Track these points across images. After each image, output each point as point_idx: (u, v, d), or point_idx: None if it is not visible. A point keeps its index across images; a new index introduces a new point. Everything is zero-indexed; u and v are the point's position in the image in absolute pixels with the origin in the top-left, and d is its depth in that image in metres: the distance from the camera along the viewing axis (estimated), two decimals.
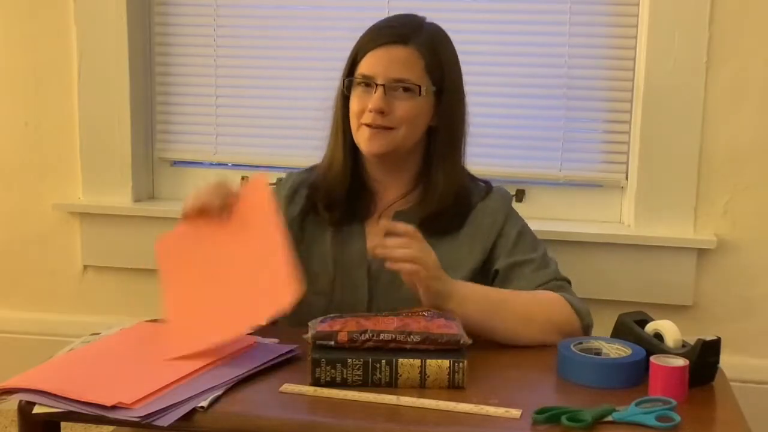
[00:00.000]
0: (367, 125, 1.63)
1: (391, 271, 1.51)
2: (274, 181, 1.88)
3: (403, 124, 1.63)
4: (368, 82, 1.64)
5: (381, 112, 1.62)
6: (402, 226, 1.47)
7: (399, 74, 1.62)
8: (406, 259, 1.45)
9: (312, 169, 1.81)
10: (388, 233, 1.46)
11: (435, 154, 1.70)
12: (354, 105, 1.66)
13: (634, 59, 2.14)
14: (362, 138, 1.65)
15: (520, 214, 1.84)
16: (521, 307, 1.54)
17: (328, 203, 1.70)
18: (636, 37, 2.13)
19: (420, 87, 1.63)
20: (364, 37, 1.69)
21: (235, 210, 1.52)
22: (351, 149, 1.70)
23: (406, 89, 1.63)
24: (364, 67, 1.64)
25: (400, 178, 1.71)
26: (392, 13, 2.06)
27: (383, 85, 1.62)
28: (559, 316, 1.55)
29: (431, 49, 1.66)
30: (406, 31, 1.65)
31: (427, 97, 1.65)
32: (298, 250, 1.58)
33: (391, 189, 1.71)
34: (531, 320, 1.53)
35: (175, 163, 2.41)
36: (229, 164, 2.37)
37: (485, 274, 1.66)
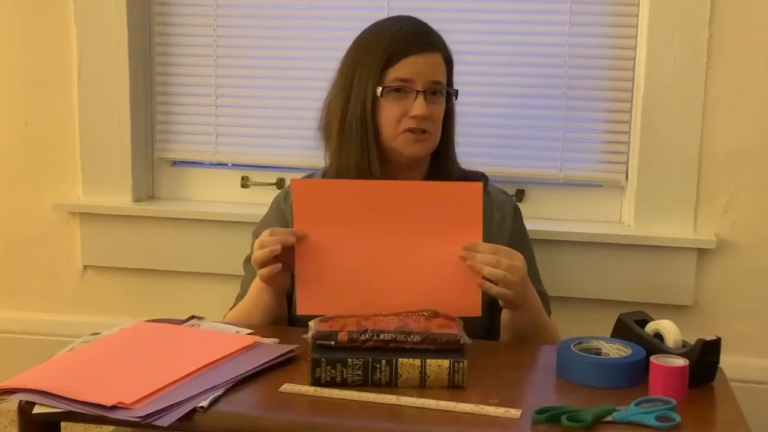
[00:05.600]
0: (411, 130, 1.68)
1: None
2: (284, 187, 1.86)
3: (437, 127, 1.73)
4: (405, 88, 1.68)
5: (425, 118, 1.68)
6: (486, 246, 1.51)
7: (437, 78, 1.70)
8: (496, 278, 1.50)
9: (311, 176, 1.82)
10: (472, 249, 1.51)
11: (443, 150, 1.77)
12: (391, 110, 1.69)
13: (634, 59, 2.14)
14: (404, 143, 1.70)
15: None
16: (555, 335, 1.67)
17: None
18: (636, 37, 2.13)
19: (457, 91, 1.75)
20: (395, 42, 1.70)
21: (440, 202, 1.53)
22: (374, 151, 1.72)
23: (436, 93, 1.70)
24: (402, 72, 1.68)
25: (416, 175, 1.77)
26: (392, 14, 2.07)
27: (423, 91, 1.67)
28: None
29: (449, 53, 1.76)
30: (434, 38, 1.74)
31: (445, 98, 1.73)
32: None
33: None
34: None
35: (175, 163, 2.41)
36: (229, 164, 2.37)
37: None
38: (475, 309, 1.51)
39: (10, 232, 2.42)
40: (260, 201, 2.31)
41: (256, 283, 1.62)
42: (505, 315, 1.63)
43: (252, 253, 1.64)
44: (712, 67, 2.07)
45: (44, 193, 2.38)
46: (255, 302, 1.64)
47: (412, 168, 1.75)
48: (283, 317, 1.66)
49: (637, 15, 2.12)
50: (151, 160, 2.39)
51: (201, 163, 2.39)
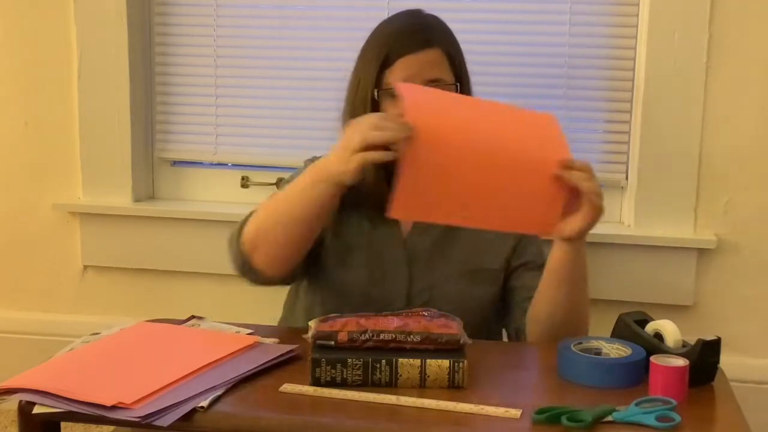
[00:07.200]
0: None
1: (427, 251, 1.66)
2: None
3: None
4: None
5: None
6: (581, 162, 1.47)
7: (433, 75, 1.67)
8: (596, 192, 1.46)
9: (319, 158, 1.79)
10: (568, 167, 1.46)
11: None
12: (390, 112, 1.66)
13: (634, 59, 2.14)
14: None
15: None
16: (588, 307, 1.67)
17: (363, 200, 1.70)
18: (636, 37, 2.13)
19: (457, 85, 1.69)
20: (389, 43, 1.68)
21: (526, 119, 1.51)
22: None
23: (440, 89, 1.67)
24: (397, 75, 1.66)
25: None
26: (392, 14, 2.07)
27: None
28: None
29: (450, 44, 1.72)
30: (430, 33, 1.70)
31: (454, 92, 1.69)
32: (335, 242, 1.67)
33: None
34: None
35: (175, 163, 2.41)
36: (229, 164, 2.37)
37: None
38: (551, 227, 1.48)
39: (10, 232, 2.42)
40: (260, 201, 2.30)
41: (318, 173, 1.48)
42: (564, 253, 1.56)
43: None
44: (712, 67, 2.07)
45: (44, 193, 2.38)
46: (305, 192, 1.50)
47: None
48: (309, 242, 1.58)
49: (637, 15, 2.12)
50: (151, 160, 2.39)
51: (201, 163, 2.40)
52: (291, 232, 1.55)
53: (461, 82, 1.72)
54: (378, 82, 1.67)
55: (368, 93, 1.68)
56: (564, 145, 1.49)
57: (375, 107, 1.68)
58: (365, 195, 1.69)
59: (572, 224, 1.49)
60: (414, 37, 1.68)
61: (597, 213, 1.48)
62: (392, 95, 1.67)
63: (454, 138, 1.42)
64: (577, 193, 1.46)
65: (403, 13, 1.77)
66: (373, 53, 1.69)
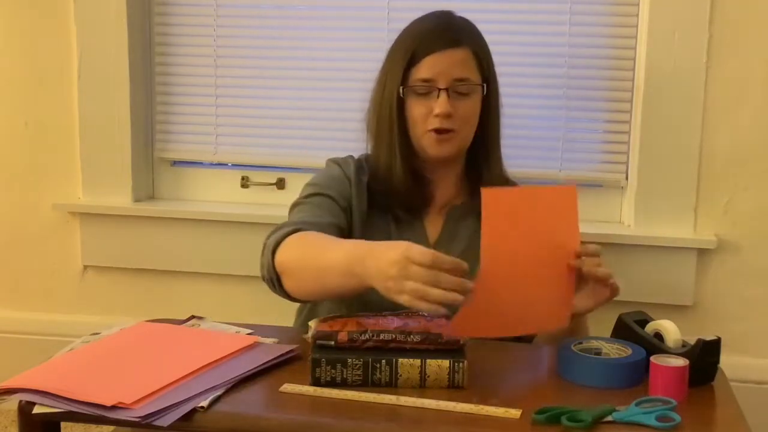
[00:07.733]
0: (435, 131, 1.67)
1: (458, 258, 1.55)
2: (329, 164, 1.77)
3: (465, 124, 1.69)
4: (428, 87, 1.66)
5: (448, 116, 1.65)
6: (593, 247, 1.50)
7: (460, 75, 1.67)
8: (610, 275, 1.50)
9: (361, 163, 1.76)
10: (581, 254, 1.48)
11: (482, 148, 1.76)
12: (415, 110, 1.68)
13: (634, 59, 2.14)
14: (429, 143, 1.68)
15: None
16: None
17: (392, 202, 1.72)
18: (636, 37, 2.13)
19: (483, 86, 1.70)
20: (416, 41, 1.68)
21: (542, 211, 1.44)
22: (408, 149, 1.71)
23: (465, 89, 1.67)
24: (423, 72, 1.66)
25: (451, 173, 1.76)
26: (392, 14, 2.07)
27: (446, 89, 1.65)
28: None
29: (479, 46, 1.72)
30: (458, 33, 1.70)
31: (480, 94, 1.70)
32: None
33: (444, 184, 1.76)
34: None
35: (175, 163, 2.41)
36: (229, 164, 2.37)
37: None
38: (566, 318, 1.50)
39: (10, 232, 2.42)
40: (260, 201, 2.31)
41: (356, 267, 1.38)
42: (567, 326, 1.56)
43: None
44: (712, 67, 2.07)
45: (44, 193, 2.38)
46: (337, 274, 1.43)
47: (446, 166, 1.74)
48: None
49: (637, 15, 2.12)
50: (151, 160, 2.39)
51: (201, 163, 2.40)
52: (316, 288, 1.51)
53: (488, 84, 1.72)
54: (404, 79, 1.67)
55: (394, 91, 1.68)
56: (575, 226, 1.48)
57: (400, 105, 1.68)
58: (393, 196, 1.70)
59: (582, 303, 1.51)
60: (443, 36, 1.68)
61: (614, 293, 1.52)
62: (417, 93, 1.67)
63: (513, 276, 1.40)
64: (581, 273, 1.49)
65: (432, 14, 1.76)
66: (401, 52, 1.69)
